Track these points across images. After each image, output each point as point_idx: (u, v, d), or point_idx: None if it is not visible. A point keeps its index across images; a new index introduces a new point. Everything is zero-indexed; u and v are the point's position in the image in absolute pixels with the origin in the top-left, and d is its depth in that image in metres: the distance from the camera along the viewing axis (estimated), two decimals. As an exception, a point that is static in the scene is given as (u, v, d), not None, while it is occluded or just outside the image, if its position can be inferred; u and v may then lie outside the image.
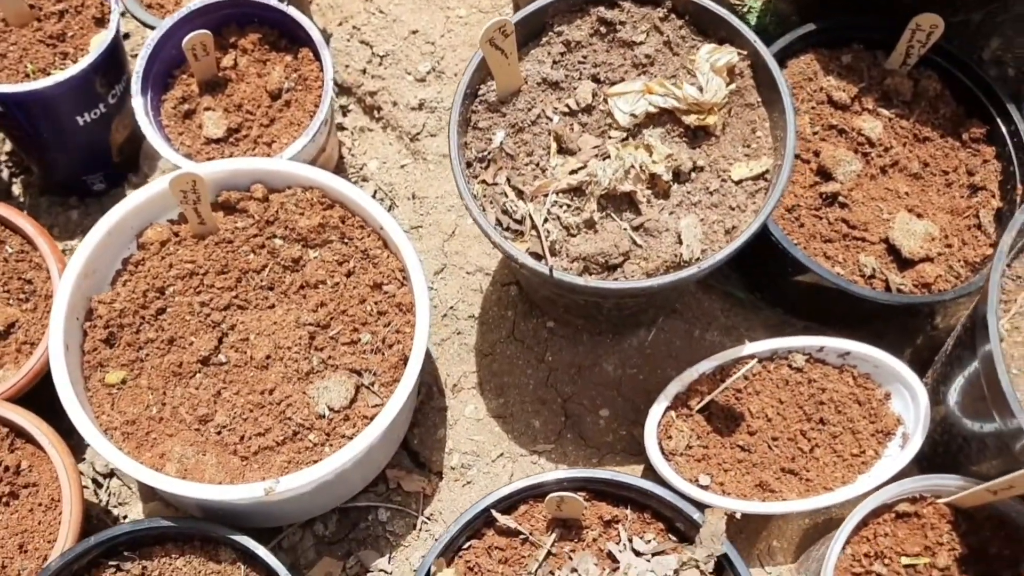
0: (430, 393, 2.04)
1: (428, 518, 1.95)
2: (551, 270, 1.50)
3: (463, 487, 1.96)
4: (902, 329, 2.06)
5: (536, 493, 1.66)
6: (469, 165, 1.68)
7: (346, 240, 1.87)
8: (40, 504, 1.80)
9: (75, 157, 2.22)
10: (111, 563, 1.75)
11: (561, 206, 1.58)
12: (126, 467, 1.64)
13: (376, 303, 1.82)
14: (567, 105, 1.66)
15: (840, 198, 1.93)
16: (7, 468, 1.80)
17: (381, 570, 1.91)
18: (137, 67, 1.97)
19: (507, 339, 2.02)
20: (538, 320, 2.01)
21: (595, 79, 1.70)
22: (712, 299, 2.05)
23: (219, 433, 1.73)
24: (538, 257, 1.57)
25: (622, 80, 1.69)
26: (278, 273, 1.86)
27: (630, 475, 1.63)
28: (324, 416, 1.73)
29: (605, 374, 1.98)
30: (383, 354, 1.78)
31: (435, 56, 2.28)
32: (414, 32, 2.31)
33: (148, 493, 2.03)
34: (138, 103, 1.95)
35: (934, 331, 2.09)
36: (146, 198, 1.83)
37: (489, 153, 1.65)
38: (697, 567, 1.58)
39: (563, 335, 2.00)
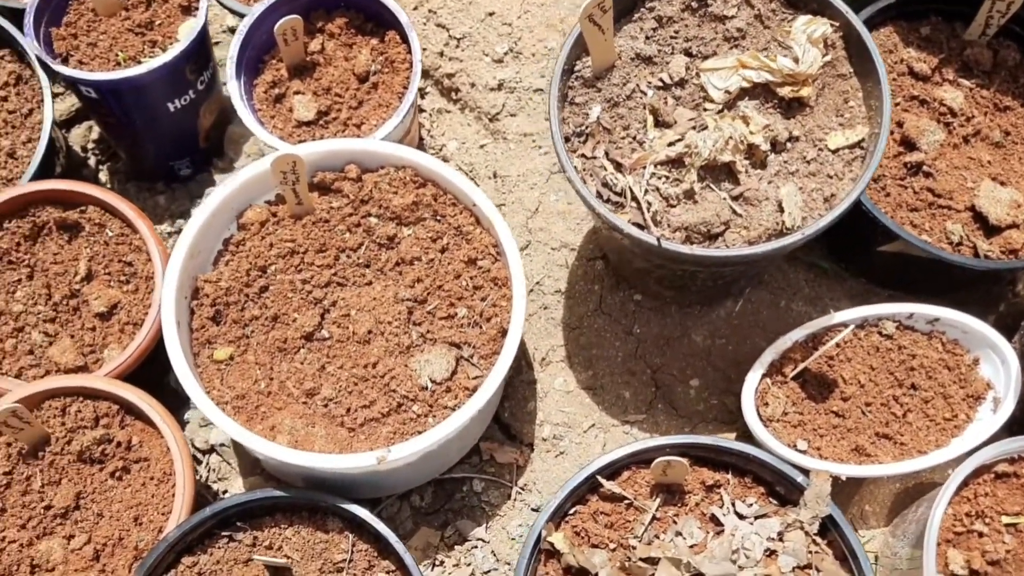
0: (519, 367, 2.08)
1: (522, 488, 1.99)
2: (659, 240, 1.54)
3: (555, 458, 2.00)
4: (985, 296, 2.08)
5: (640, 459, 1.70)
6: (567, 140, 1.72)
7: (439, 217, 1.92)
8: (152, 478, 1.86)
9: (164, 143, 2.28)
10: (224, 533, 1.82)
11: (660, 177, 1.62)
12: (243, 438, 1.69)
13: (471, 278, 1.87)
14: (660, 79, 1.70)
15: (924, 167, 1.95)
16: (119, 444, 1.86)
17: (479, 539, 1.96)
18: (231, 52, 2.02)
19: (594, 312, 2.06)
20: (625, 293, 2.05)
21: (687, 53, 1.73)
22: (796, 270, 2.07)
23: (326, 406, 1.78)
24: (640, 228, 1.60)
25: (714, 54, 1.72)
26: (374, 251, 1.90)
27: (731, 440, 1.67)
28: (427, 388, 1.78)
29: (694, 345, 2.02)
30: (481, 327, 1.83)
31: (512, 37, 2.32)
32: (490, 14, 2.34)
33: (248, 467, 2.09)
34: (233, 87, 2.01)
35: (1015, 298, 2.11)
36: (246, 180, 1.88)
37: (587, 127, 1.69)
38: (802, 528, 1.62)
39: (651, 307, 2.03)
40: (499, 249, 1.87)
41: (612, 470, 1.70)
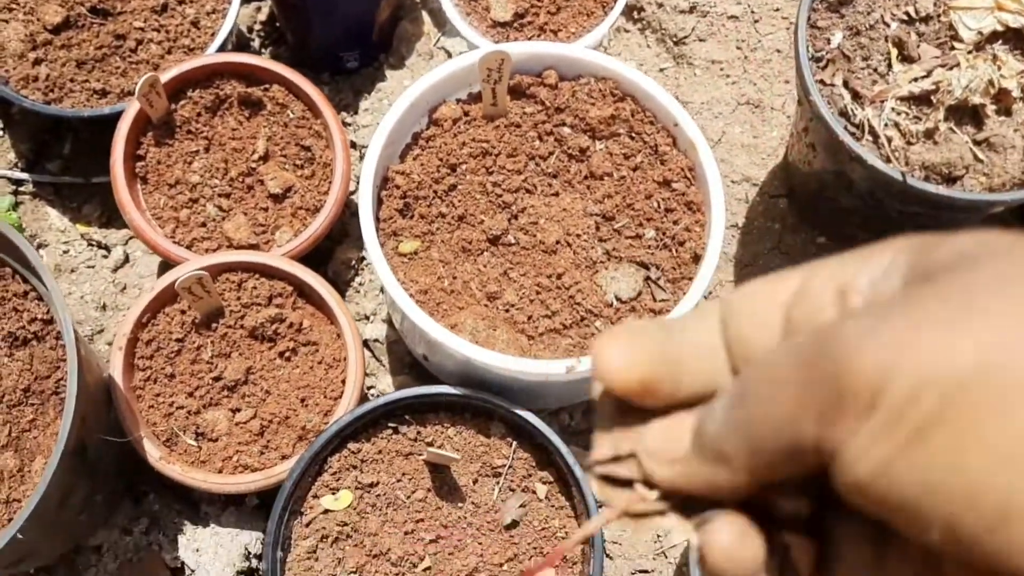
0: (683, 297, 2.05)
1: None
2: (903, 175, 1.49)
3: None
4: None
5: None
6: (803, 64, 1.67)
7: (634, 135, 1.87)
8: (320, 362, 1.86)
9: (337, 31, 2.24)
10: (390, 424, 1.82)
11: (900, 113, 1.56)
12: (433, 331, 1.67)
13: (663, 199, 1.82)
14: (906, 12, 1.63)
15: None
16: (291, 325, 1.86)
17: (629, 463, 1.94)
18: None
19: (771, 251, 2.01)
20: (807, 235, 2.00)
21: (935, -13, 1.66)
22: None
23: (507, 311, 1.76)
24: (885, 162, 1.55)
25: (962, -8, 1.65)
26: (563, 162, 1.87)
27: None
28: (612, 305, 1.75)
29: (876, 294, 1.97)
30: (671, 251, 1.79)
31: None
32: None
33: (397, 366, 2.08)
34: (431, -21, 1.96)
35: None
36: (446, 75, 1.84)
37: (827, 53, 1.63)
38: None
39: (834, 251, 1.97)
40: (695, 173, 1.82)
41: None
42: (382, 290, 2.12)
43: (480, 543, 1.76)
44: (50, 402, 1.60)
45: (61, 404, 1.55)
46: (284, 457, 1.78)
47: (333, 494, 1.77)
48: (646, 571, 1.87)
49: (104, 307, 2.08)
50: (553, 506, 1.80)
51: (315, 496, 1.78)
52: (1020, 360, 0.33)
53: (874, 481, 0.36)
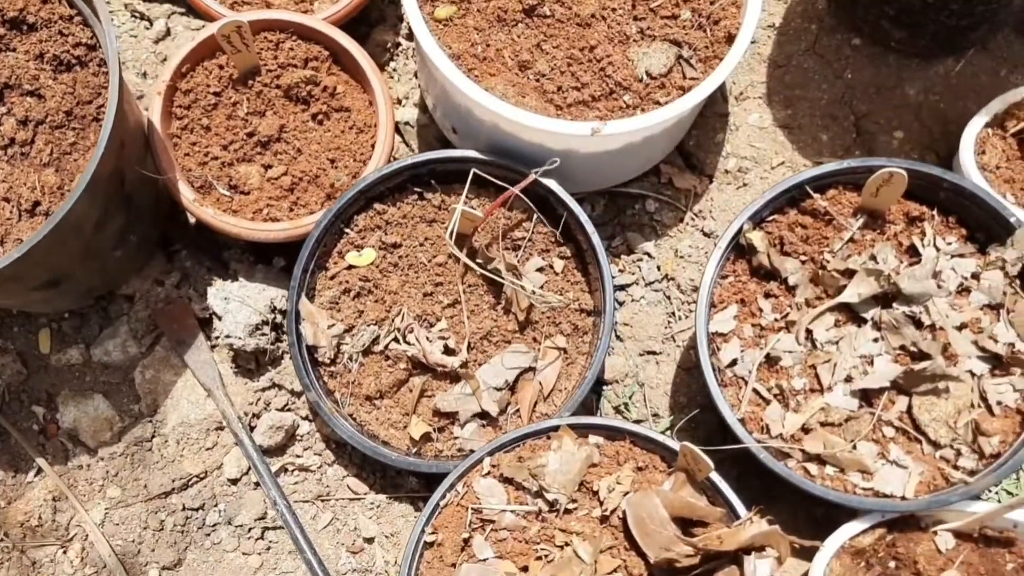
0: (712, 98, 2.06)
1: (696, 214, 2.00)
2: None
3: (736, 189, 2.00)
4: None
5: (849, 180, 1.69)
6: None
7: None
8: (352, 127, 1.90)
9: None
10: (416, 189, 1.86)
11: None
12: (466, 87, 1.70)
13: (701, -19, 1.82)
14: None
15: None
16: (324, 88, 1.89)
17: (646, 252, 1.99)
18: None
19: (805, 52, 2.01)
20: (843, 36, 1.99)
21: None
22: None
23: (538, 80, 1.78)
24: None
25: None
26: (603, -61, 1.86)
27: (952, 173, 1.65)
28: (642, 80, 1.77)
29: (906, 97, 1.97)
30: (706, 31, 1.80)
31: None
32: None
33: (427, 144, 2.10)
34: None
35: None
36: None
37: None
38: (1003, 268, 1.61)
39: (868, 54, 1.98)
40: (736, -44, 1.81)
41: (819, 184, 1.70)
42: (415, 75, 2.15)
43: (495, 309, 1.81)
44: (91, 127, 1.66)
45: (101, 130, 1.60)
46: (312, 214, 1.83)
47: (358, 251, 1.83)
48: (654, 352, 1.92)
49: (145, 75, 2.13)
50: (569, 280, 1.85)
51: (340, 253, 1.84)
52: None
53: None
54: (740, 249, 1.71)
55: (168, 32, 2.17)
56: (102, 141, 1.51)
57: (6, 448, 1.87)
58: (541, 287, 1.82)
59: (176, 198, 1.81)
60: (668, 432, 1.84)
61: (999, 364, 1.58)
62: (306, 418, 1.89)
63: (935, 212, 1.68)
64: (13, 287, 1.64)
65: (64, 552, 1.82)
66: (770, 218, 1.71)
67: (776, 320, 1.67)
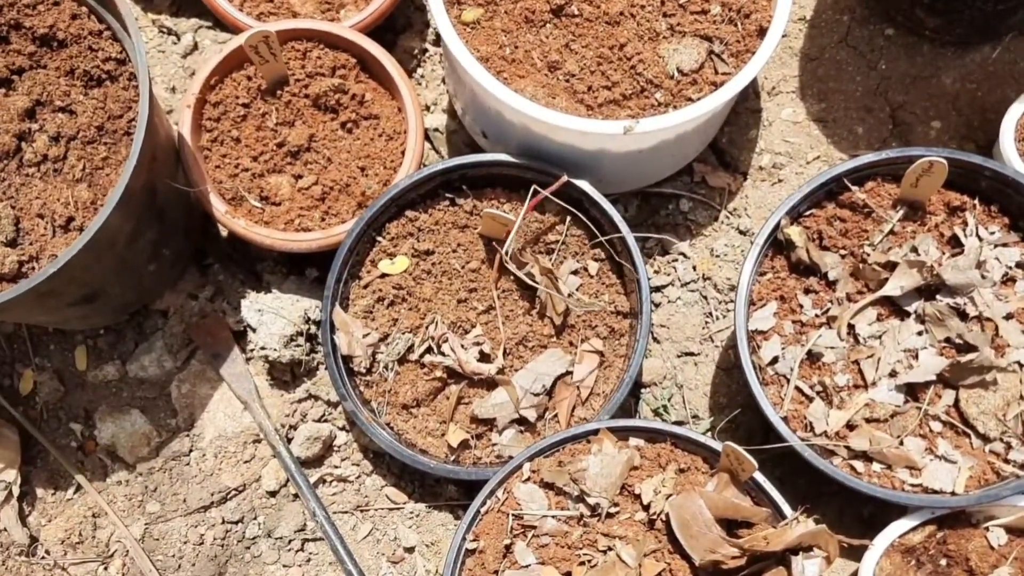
0: (744, 94, 2.03)
1: (731, 212, 1.98)
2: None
3: (772, 186, 1.98)
4: None
5: (888, 171, 1.66)
6: None
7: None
8: (381, 135, 1.89)
9: None
10: (447, 195, 1.85)
11: None
12: (496, 89, 1.69)
13: (731, -24, 1.80)
14: None
15: None
16: (353, 96, 1.88)
17: (681, 253, 1.96)
18: None
19: (838, 44, 1.98)
20: (876, 27, 1.96)
21: None
22: (1064, 29, 1.96)
23: (568, 81, 1.77)
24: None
25: None
26: (630, -62, 1.84)
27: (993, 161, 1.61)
28: (672, 77, 1.75)
29: (942, 86, 1.94)
30: (736, 24, 1.77)
31: None
32: None
33: (456, 151, 2.10)
34: None
35: None
36: None
37: None
38: (1049, 256, 1.57)
39: (902, 44, 1.95)
40: (765, -51, 1.79)
41: (857, 176, 1.67)
42: (443, 80, 2.14)
43: (530, 314, 1.80)
44: (122, 142, 1.66)
45: (132, 144, 1.60)
46: (343, 223, 1.83)
47: (390, 259, 1.82)
48: (692, 353, 1.90)
49: (173, 89, 2.13)
50: (603, 283, 1.83)
51: (372, 261, 1.83)
52: None
53: None
54: (778, 245, 1.68)
55: (196, 46, 2.18)
56: (133, 154, 1.51)
57: (45, 466, 1.88)
58: (576, 290, 1.80)
59: (208, 211, 1.81)
60: (709, 433, 1.81)
61: (1049, 354, 1.55)
62: (343, 428, 1.88)
63: (976, 201, 1.65)
64: (50, 303, 1.65)
65: (105, 568, 1.82)
66: (808, 213, 1.68)
67: (817, 316, 1.64)
